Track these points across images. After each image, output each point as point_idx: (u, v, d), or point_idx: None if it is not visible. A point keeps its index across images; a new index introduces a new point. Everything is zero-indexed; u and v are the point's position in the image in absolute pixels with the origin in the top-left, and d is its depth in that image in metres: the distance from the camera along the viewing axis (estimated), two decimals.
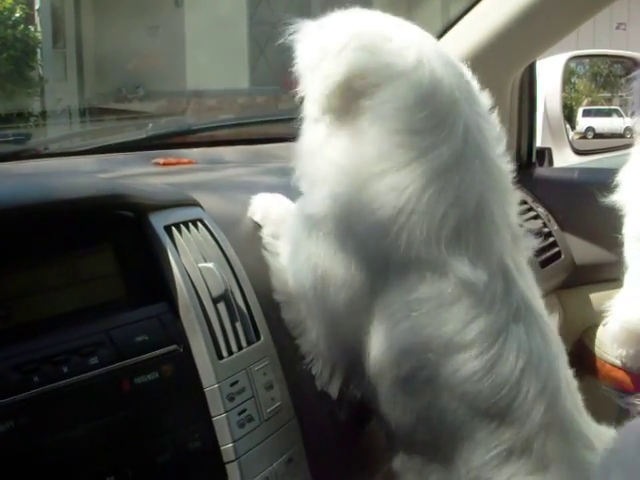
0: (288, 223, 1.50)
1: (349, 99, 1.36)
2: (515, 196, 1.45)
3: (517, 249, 1.41)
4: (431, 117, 1.32)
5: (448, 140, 1.32)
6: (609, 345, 2.41)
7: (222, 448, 1.28)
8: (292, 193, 1.58)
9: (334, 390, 1.46)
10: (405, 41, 1.38)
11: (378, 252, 1.31)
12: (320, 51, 1.39)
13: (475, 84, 1.45)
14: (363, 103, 1.35)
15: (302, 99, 1.47)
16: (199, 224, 1.43)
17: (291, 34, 1.47)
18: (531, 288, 1.41)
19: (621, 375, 2.39)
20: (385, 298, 1.32)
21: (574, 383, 1.40)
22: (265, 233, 1.56)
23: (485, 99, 1.44)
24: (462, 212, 1.31)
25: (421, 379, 1.31)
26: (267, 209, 1.59)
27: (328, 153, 1.39)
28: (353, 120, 1.36)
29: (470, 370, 1.29)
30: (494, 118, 1.44)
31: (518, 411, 1.29)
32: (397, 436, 1.41)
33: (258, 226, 1.59)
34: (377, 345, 1.34)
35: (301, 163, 1.49)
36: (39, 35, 10.96)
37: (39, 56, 10.94)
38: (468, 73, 1.46)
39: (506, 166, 1.42)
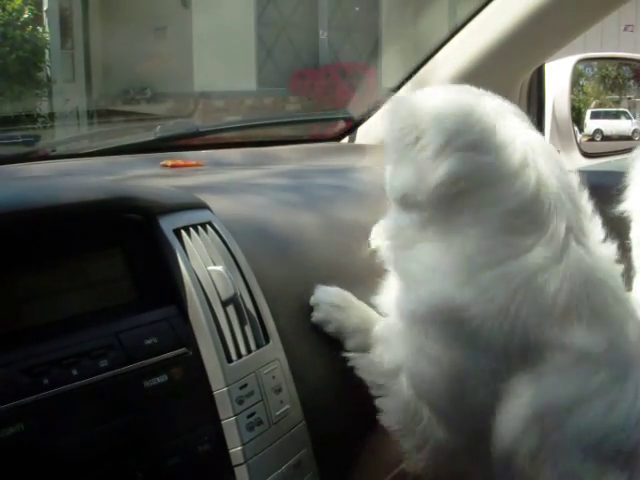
0: (387, 328, 1.49)
1: (449, 198, 1.35)
2: (618, 278, 1.44)
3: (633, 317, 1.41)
4: (535, 220, 1.32)
5: (550, 240, 1.32)
6: None
7: (231, 451, 1.28)
8: (301, 195, 1.58)
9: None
10: (510, 136, 1.36)
11: (495, 340, 1.31)
12: (419, 143, 1.37)
13: (575, 180, 1.43)
14: (463, 202, 1.34)
15: (385, 184, 1.47)
16: (208, 227, 1.43)
17: (385, 105, 1.46)
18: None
19: None
20: (509, 381, 1.33)
21: None
22: (350, 347, 1.52)
23: (585, 198, 1.43)
24: (571, 290, 1.30)
25: (552, 443, 1.31)
26: (344, 319, 1.53)
27: (426, 249, 1.38)
28: (453, 217, 1.35)
29: (593, 416, 1.30)
30: (595, 217, 1.44)
31: None
32: None
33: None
34: (504, 422, 1.34)
35: (393, 257, 1.47)
36: (47, 36, 10.97)
37: (47, 57, 10.96)
38: (565, 165, 1.43)
39: (607, 251, 1.43)
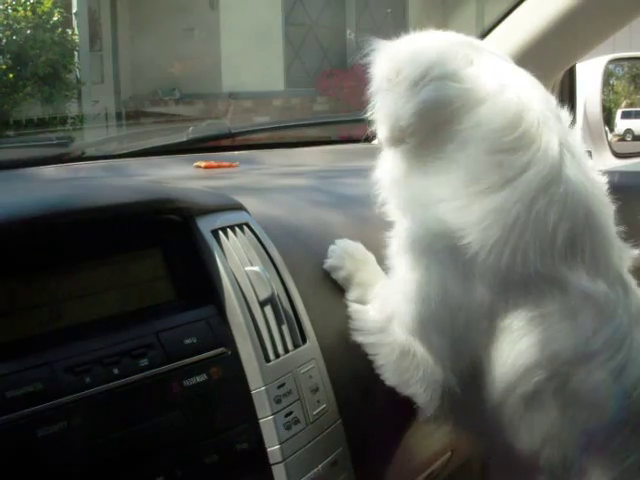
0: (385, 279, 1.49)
1: (435, 126, 1.36)
2: (612, 207, 1.42)
3: (624, 258, 1.40)
4: (525, 136, 1.31)
5: (545, 155, 1.30)
6: None
7: (269, 450, 1.29)
8: (333, 196, 1.59)
9: (438, 418, 1.45)
10: (486, 64, 1.38)
11: (494, 272, 1.29)
12: (399, 76, 1.39)
13: (555, 101, 1.44)
14: (450, 129, 1.35)
15: (373, 121, 1.48)
16: (245, 228, 1.44)
17: (366, 53, 1.47)
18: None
19: None
20: (506, 317, 1.31)
21: None
22: (351, 297, 1.53)
23: (566, 116, 1.44)
24: (573, 225, 1.29)
25: (549, 392, 1.30)
26: (352, 270, 1.55)
27: (418, 180, 1.39)
28: (441, 146, 1.36)
29: (599, 378, 1.28)
30: (578, 134, 1.44)
31: None
32: (520, 459, 1.38)
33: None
34: (499, 364, 1.33)
35: (387, 192, 1.48)
36: (76, 38, 11.04)
37: (76, 59, 11.02)
38: (547, 92, 1.45)
39: (600, 177, 1.42)
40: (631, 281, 1.37)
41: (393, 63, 1.42)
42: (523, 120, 1.32)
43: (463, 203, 1.31)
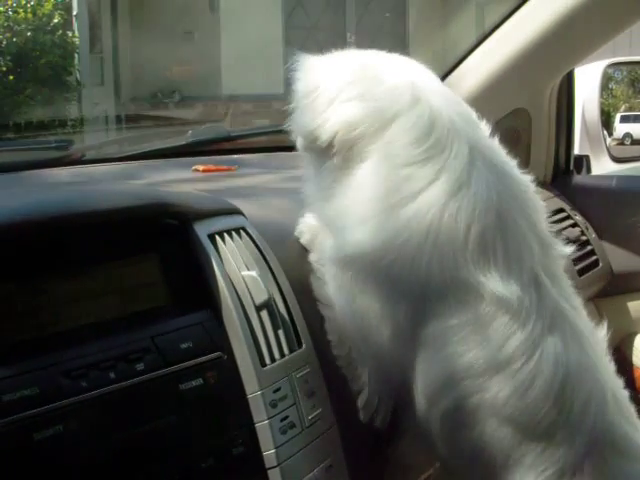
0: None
1: (348, 145, 1.38)
2: (541, 204, 1.43)
3: (549, 257, 1.38)
4: (435, 146, 1.33)
5: (455, 162, 1.32)
6: None
7: (264, 454, 1.29)
8: None
9: (380, 421, 1.47)
10: (397, 82, 1.40)
11: (413, 283, 1.31)
12: (315, 93, 1.43)
13: (470, 109, 1.46)
14: (365, 147, 1.37)
15: (291, 132, 1.51)
16: (242, 232, 1.45)
17: (293, 67, 1.50)
18: (567, 296, 1.38)
19: None
20: (427, 328, 1.31)
21: (622, 392, 1.36)
22: (312, 259, 1.56)
23: (483, 123, 1.46)
24: (484, 226, 1.29)
25: (469, 408, 1.29)
26: (314, 233, 1.58)
27: (339, 197, 1.41)
28: (359, 163, 1.38)
29: (511, 388, 1.27)
30: (497, 141, 1.45)
31: (565, 428, 1.27)
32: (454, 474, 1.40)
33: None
34: (422, 377, 1.33)
35: (316, 208, 1.52)
36: (77, 40, 11.04)
37: (76, 61, 11.01)
38: (461, 101, 1.48)
39: (523, 177, 1.42)
40: (554, 283, 1.35)
41: (311, 80, 1.46)
42: (433, 131, 1.34)
43: (379, 220, 1.33)
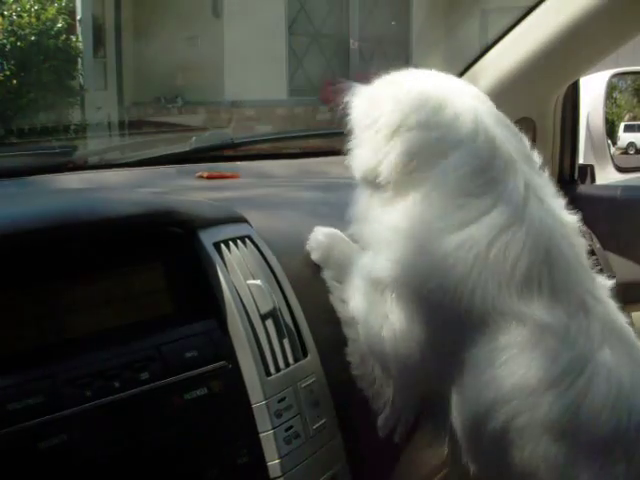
0: (354, 278, 1.50)
1: (407, 173, 1.38)
2: (583, 241, 1.44)
3: (594, 285, 1.39)
4: (493, 179, 1.35)
5: (510, 197, 1.33)
6: None
7: (269, 464, 1.29)
8: (336, 210, 1.59)
9: (398, 437, 1.47)
10: (459, 109, 1.40)
11: (454, 310, 1.31)
12: (376, 125, 1.42)
13: (527, 142, 1.47)
14: (421, 175, 1.37)
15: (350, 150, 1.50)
16: (247, 241, 1.44)
17: (346, 93, 1.50)
18: (615, 315, 1.38)
19: None
20: (468, 351, 1.32)
21: None
22: (328, 276, 1.55)
23: (536, 157, 1.47)
24: (532, 261, 1.31)
25: (519, 428, 1.28)
26: (327, 250, 1.57)
27: (389, 219, 1.40)
28: (413, 189, 1.38)
29: (564, 405, 1.26)
30: (547, 175, 1.46)
31: (622, 443, 1.26)
32: None
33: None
34: (462, 401, 1.34)
35: (360, 227, 1.51)
36: (80, 45, 11.05)
37: (80, 66, 11.03)
38: (519, 132, 1.47)
39: (570, 217, 1.43)
40: (595, 306, 1.35)
41: (369, 111, 1.46)
42: (493, 165, 1.36)
43: (426, 244, 1.34)
